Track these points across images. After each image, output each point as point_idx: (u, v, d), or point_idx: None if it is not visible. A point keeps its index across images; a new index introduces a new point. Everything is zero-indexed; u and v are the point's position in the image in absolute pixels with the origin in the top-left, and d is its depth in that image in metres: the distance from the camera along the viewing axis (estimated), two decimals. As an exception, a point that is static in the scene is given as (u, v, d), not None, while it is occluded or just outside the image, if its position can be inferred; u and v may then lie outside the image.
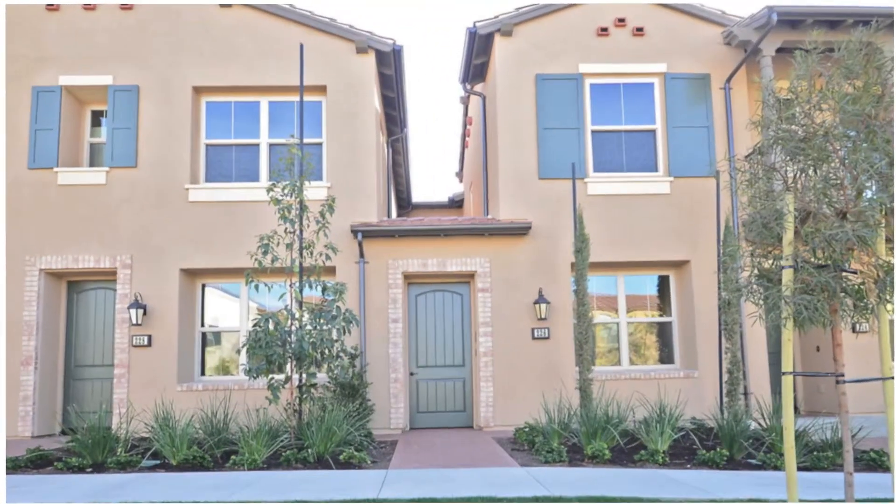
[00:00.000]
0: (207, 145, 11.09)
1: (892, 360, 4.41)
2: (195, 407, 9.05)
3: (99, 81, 10.77)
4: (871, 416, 8.84)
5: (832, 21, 10.05)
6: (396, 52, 11.30)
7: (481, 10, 47.32)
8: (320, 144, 11.01)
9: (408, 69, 32.63)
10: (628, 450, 7.72)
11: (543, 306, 10.28)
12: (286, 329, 8.18)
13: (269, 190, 8.69)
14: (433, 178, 40.34)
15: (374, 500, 5.47)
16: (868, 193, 4.44)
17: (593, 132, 11.10)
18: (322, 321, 8.31)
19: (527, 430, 8.77)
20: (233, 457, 7.27)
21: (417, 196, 22.72)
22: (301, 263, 8.60)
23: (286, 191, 8.63)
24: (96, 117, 11.54)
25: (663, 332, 11.19)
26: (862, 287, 4.39)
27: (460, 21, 56.47)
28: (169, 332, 10.25)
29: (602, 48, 11.12)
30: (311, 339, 8.10)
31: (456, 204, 19.07)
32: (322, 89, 10.96)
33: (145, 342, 10.19)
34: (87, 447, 7.40)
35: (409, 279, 10.89)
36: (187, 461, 7.23)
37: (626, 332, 11.10)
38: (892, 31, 9.92)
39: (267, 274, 8.73)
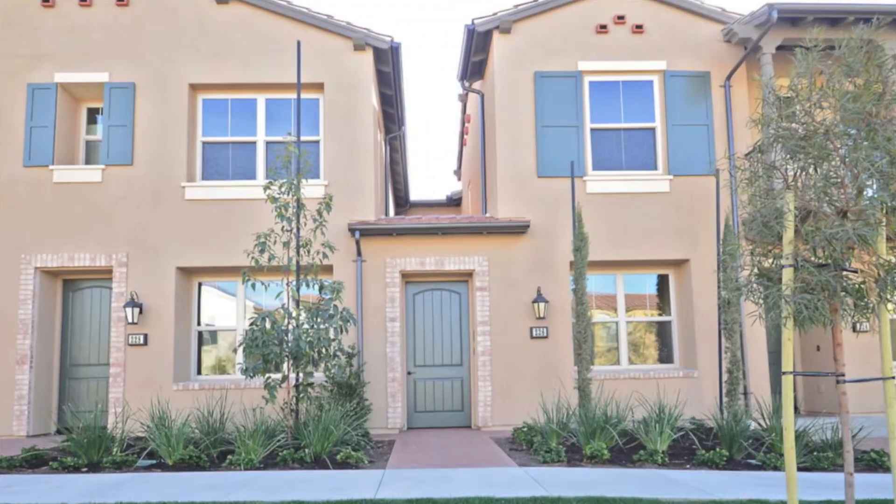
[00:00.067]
0: (204, 143, 11.04)
1: (893, 359, 4.38)
2: (191, 406, 9.01)
3: (95, 79, 10.71)
4: (871, 416, 8.81)
5: (833, 18, 10.01)
6: (394, 50, 11.25)
7: (480, 8, 47.28)
8: (317, 142, 10.96)
9: (406, 67, 32.61)
10: (627, 450, 7.68)
11: (542, 305, 10.24)
12: (283, 328, 8.14)
13: (265, 188, 8.65)
14: (431, 177, 40.35)
15: (371, 501, 5.43)
16: (869, 192, 4.40)
17: (592, 130, 11.05)
18: (319, 320, 8.28)
19: (525, 429, 8.74)
20: (229, 456, 7.23)
21: (415, 194, 22.72)
22: (298, 262, 8.55)
23: (283, 189, 8.59)
24: (92, 115, 11.49)
25: (662, 331, 11.16)
26: (862, 286, 4.35)
27: (459, 18, 56.44)
28: (165, 331, 10.20)
29: (601, 45, 11.07)
30: (308, 338, 8.06)
31: (454, 202, 19.03)
32: (319, 87, 10.90)
33: (141, 341, 10.15)
34: (82, 447, 7.35)
35: (407, 278, 10.84)
36: (183, 461, 7.19)
37: (626, 331, 11.06)
38: (893, 29, 9.90)
39: (264, 272, 8.68)
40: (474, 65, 12.26)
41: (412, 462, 7.44)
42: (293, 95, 10.73)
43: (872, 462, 7.07)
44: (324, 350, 8.45)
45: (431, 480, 6.30)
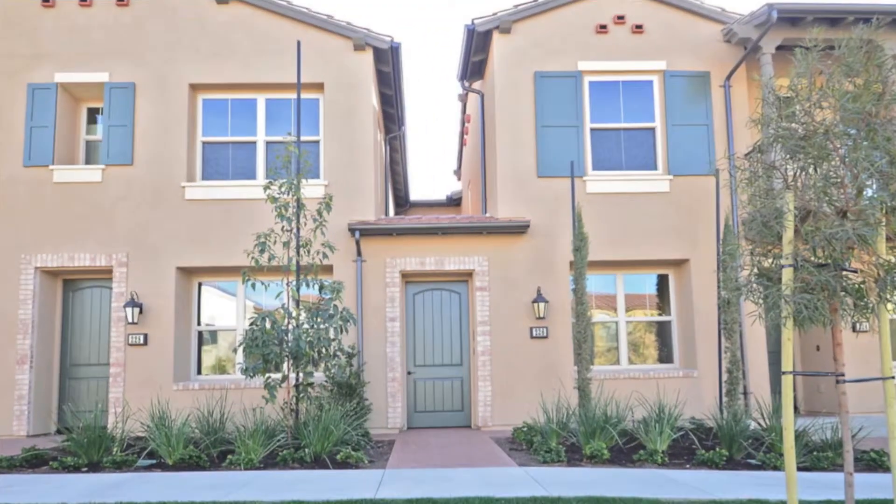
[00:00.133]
0: (204, 143, 11.04)
1: (892, 359, 4.37)
2: (191, 406, 9.01)
3: (95, 79, 10.72)
4: (871, 416, 8.81)
5: (832, 18, 10.01)
6: (394, 50, 11.25)
7: (480, 8, 47.28)
8: (317, 142, 10.96)
9: (406, 67, 32.60)
10: (627, 450, 7.69)
11: (542, 305, 10.24)
12: (283, 328, 8.14)
13: (266, 188, 8.65)
14: (431, 177, 40.35)
15: (371, 500, 5.43)
16: (868, 192, 4.40)
17: (592, 130, 11.05)
18: (319, 320, 8.27)
19: (525, 429, 8.74)
20: (229, 456, 7.24)
21: (415, 194, 22.72)
22: (298, 262, 8.55)
23: (283, 189, 8.59)
24: (92, 115, 11.49)
25: (662, 331, 11.16)
26: (862, 286, 4.35)
27: (459, 18, 56.43)
28: (165, 331, 10.20)
29: (601, 45, 11.07)
30: (308, 338, 8.06)
31: (454, 202, 19.03)
32: (319, 87, 10.90)
33: (141, 341, 10.15)
34: (82, 446, 7.36)
35: (407, 278, 10.84)
36: (183, 461, 7.19)
37: (625, 331, 11.07)
38: (892, 29, 9.90)
39: (264, 272, 8.68)
40: (474, 65, 12.26)
41: (412, 462, 7.44)
42: (293, 95, 10.72)
43: (872, 462, 7.08)
44: (324, 350, 8.45)
45: (431, 480, 6.30)
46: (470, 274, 10.75)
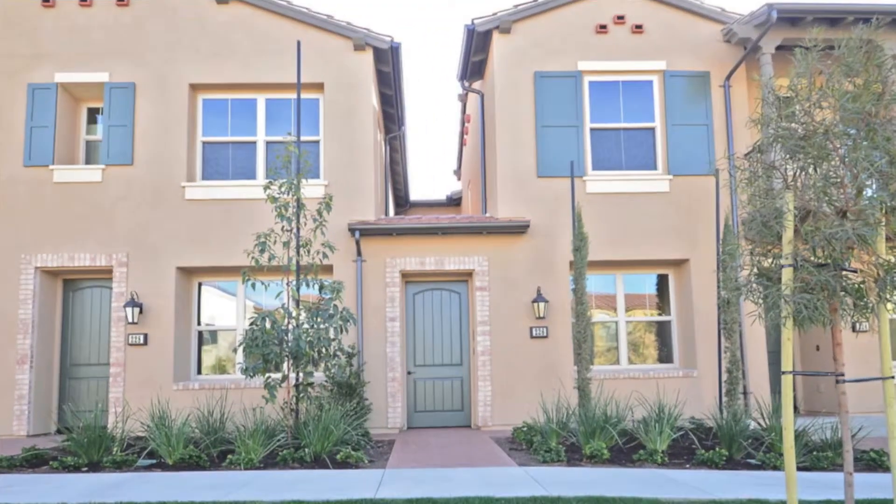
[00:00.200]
0: (204, 143, 11.04)
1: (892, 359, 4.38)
2: (191, 406, 9.01)
3: (95, 79, 10.72)
4: (871, 415, 8.81)
5: (832, 18, 10.01)
6: (394, 49, 11.25)
7: (480, 8, 47.28)
8: (317, 142, 10.96)
9: (406, 67, 32.60)
10: (627, 449, 7.69)
11: (542, 305, 10.24)
12: (283, 328, 8.14)
13: (266, 188, 8.66)
14: (431, 177, 40.35)
15: (371, 500, 5.43)
16: (868, 192, 4.40)
17: (592, 130, 11.06)
18: (319, 320, 8.28)
19: (525, 429, 8.74)
20: (229, 456, 7.24)
21: (415, 194, 22.72)
22: (298, 262, 8.56)
23: (283, 189, 8.59)
24: (92, 115, 11.49)
25: (662, 331, 11.16)
26: (862, 286, 4.35)
27: (459, 18, 56.43)
28: (165, 331, 10.21)
29: (601, 45, 11.08)
30: (308, 338, 8.06)
31: (454, 202, 19.03)
32: (319, 87, 10.91)
33: (141, 341, 10.15)
34: (82, 446, 7.36)
35: (407, 278, 10.84)
36: (183, 460, 7.19)
37: (625, 331, 11.07)
38: (892, 29, 9.90)
39: (264, 272, 8.69)
40: (474, 65, 12.26)
41: (412, 462, 7.44)
42: (293, 95, 10.72)
43: (872, 462, 7.08)
44: (324, 350, 8.45)
45: (431, 480, 6.30)
46: (470, 274, 10.75)
